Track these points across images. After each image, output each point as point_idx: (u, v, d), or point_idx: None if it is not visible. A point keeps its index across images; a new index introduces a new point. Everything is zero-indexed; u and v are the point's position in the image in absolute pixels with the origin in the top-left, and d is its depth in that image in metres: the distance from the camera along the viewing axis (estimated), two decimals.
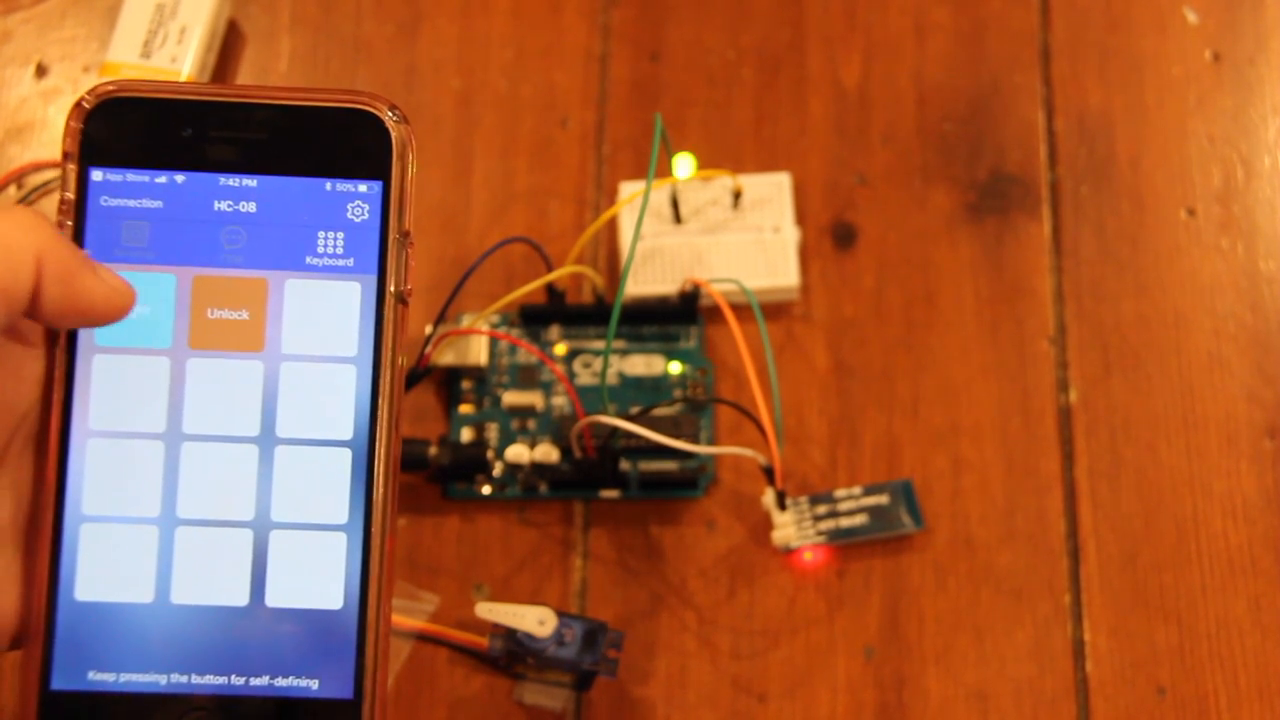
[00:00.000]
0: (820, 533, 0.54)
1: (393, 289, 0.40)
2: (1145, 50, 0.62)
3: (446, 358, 0.56)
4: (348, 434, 0.39)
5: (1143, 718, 0.53)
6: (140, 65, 0.59)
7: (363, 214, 0.40)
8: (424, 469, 0.54)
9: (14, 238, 0.35)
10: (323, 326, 0.39)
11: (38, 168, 0.60)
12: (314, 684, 0.38)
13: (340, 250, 0.40)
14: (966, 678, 0.53)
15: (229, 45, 0.62)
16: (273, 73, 0.62)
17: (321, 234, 0.40)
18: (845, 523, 0.54)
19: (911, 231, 0.59)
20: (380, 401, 0.39)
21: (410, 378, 0.54)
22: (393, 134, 0.40)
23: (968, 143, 0.61)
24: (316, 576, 0.39)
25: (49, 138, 0.61)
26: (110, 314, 0.37)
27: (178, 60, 0.59)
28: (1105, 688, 0.53)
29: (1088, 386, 0.57)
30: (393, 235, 0.40)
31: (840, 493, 0.55)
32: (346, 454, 0.39)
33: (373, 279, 0.39)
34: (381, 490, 0.39)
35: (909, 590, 0.54)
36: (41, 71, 0.62)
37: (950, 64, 0.62)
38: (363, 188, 0.40)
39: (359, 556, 0.39)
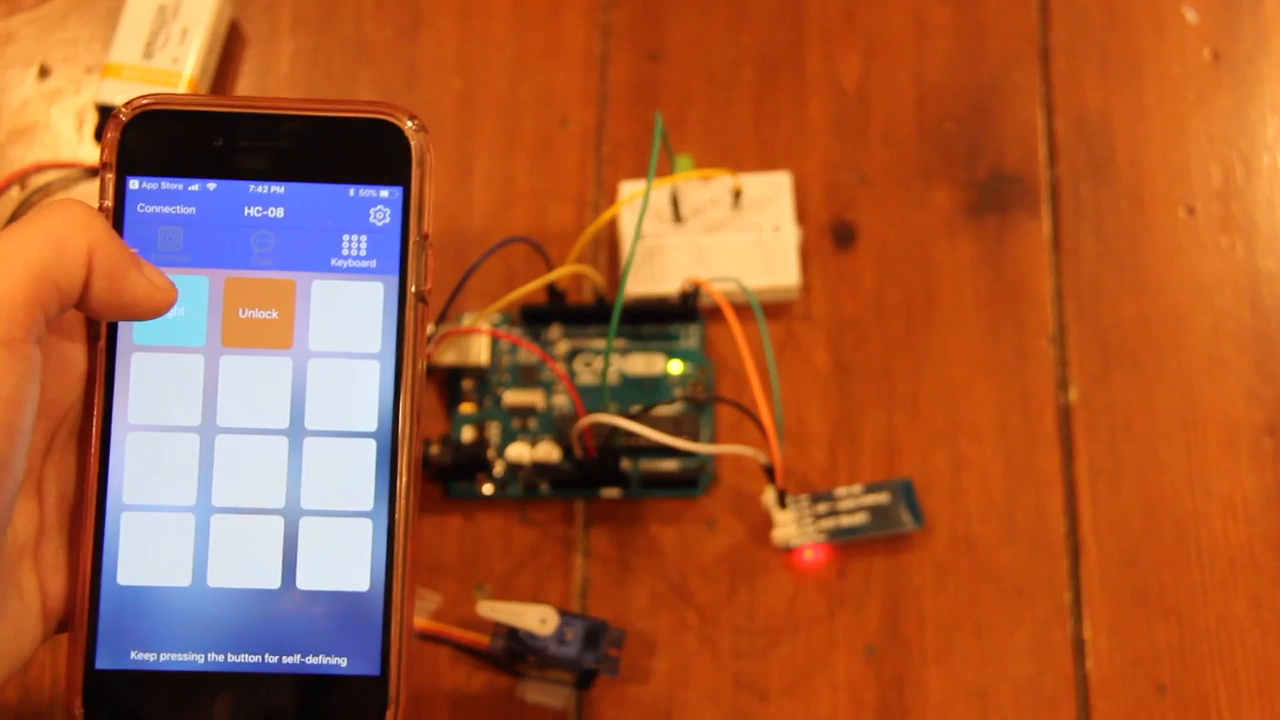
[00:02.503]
0: (821, 531, 0.54)
1: (413, 289, 0.41)
2: (1145, 49, 0.62)
3: (448, 357, 0.56)
4: (372, 426, 0.41)
5: (1143, 716, 0.53)
6: (142, 66, 0.59)
7: (384, 218, 0.42)
8: (425, 468, 0.54)
9: (68, 232, 0.37)
10: (348, 324, 0.41)
11: (40, 169, 0.60)
12: (343, 662, 0.40)
13: (364, 252, 0.41)
14: (967, 676, 0.53)
15: (230, 47, 0.62)
16: (274, 74, 0.62)
17: (346, 237, 0.42)
18: (846, 521, 0.54)
19: (911, 231, 0.59)
20: (403, 395, 0.41)
21: None
22: (413, 142, 0.42)
23: (967, 142, 0.61)
24: (344, 560, 0.41)
25: (51, 139, 0.61)
26: (153, 309, 0.39)
27: (179, 61, 0.59)
28: (1105, 686, 0.53)
29: (1088, 385, 0.57)
30: (413, 238, 0.41)
31: (841, 491, 0.55)
32: (371, 445, 0.41)
33: (394, 279, 0.41)
34: (404, 478, 0.41)
35: (909, 589, 0.54)
36: (44, 73, 0.62)
37: (950, 63, 0.62)
38: (384, 193, 0.42)
39: (384, 541, 0.41)
